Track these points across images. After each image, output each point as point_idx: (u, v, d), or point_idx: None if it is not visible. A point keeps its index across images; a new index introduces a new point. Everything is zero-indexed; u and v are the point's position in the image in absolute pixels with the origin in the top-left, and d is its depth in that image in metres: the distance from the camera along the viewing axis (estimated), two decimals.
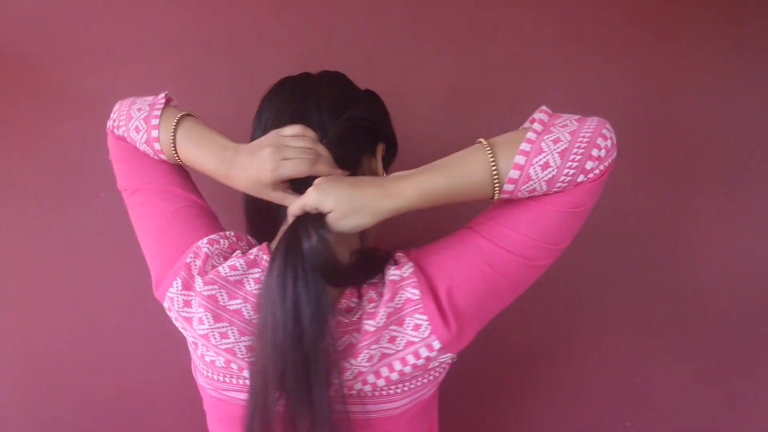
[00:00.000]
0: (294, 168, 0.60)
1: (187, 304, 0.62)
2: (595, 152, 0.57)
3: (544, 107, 0.62)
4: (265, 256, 0.64)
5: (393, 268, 0.62)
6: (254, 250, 0.65)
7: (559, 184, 0.58)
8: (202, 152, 0.65)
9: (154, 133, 0.66)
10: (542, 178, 0.57)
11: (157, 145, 0.67)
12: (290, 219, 0.60)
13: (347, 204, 0.57)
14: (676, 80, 1.10)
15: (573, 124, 0.58)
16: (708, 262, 1.15)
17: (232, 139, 0.66)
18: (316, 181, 0.58)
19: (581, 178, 0.58)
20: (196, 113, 0.70)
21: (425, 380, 0.65)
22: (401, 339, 0.60)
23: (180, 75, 1.02)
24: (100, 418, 1.06)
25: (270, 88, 0.73)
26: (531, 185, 0.57)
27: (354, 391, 0.61)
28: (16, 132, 0.99)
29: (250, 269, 0.63)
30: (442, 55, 1.06)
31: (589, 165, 0.57)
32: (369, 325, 0.59)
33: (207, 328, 0.61)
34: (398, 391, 0.64)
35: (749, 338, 1.17)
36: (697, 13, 1.09)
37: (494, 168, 0.57)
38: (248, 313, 0.61)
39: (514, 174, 0.57)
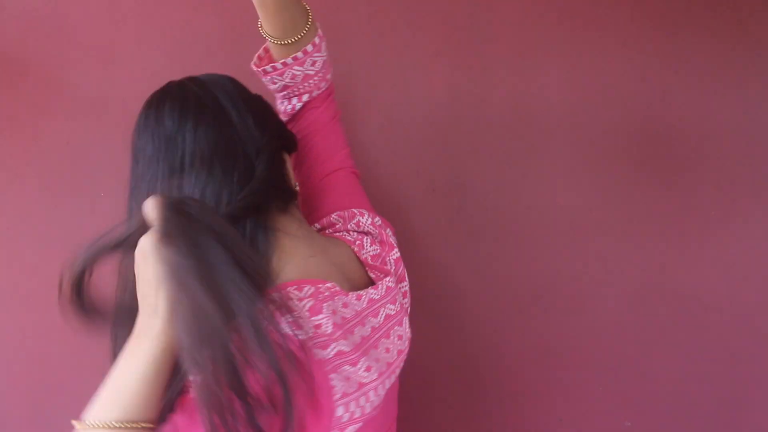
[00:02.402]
0: None
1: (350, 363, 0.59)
2: None
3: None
4: (331, 286, 0.61)
5: (365, 218, 0.74)
6: (323, 287, 0.60)
7: None
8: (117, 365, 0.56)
9: None
10: None
11: None
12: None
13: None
14: (677, 81, 1.10)
15: None
16: (708, 262, 1.15)
17: None
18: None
19: None
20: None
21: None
22: (392, 256, 0.73)
23: (180, 75, 1.02)
24: None
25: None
26: None
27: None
28: (16, 132, 0.99)
29: (334, 298, 0.60)
30: (442, 55, 1.06)
31: None
32: (389, 281, 0.68)
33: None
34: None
35: (749, 338, 1.17)
36: (698, 14, 1.10)
37: None
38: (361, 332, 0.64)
39: None
